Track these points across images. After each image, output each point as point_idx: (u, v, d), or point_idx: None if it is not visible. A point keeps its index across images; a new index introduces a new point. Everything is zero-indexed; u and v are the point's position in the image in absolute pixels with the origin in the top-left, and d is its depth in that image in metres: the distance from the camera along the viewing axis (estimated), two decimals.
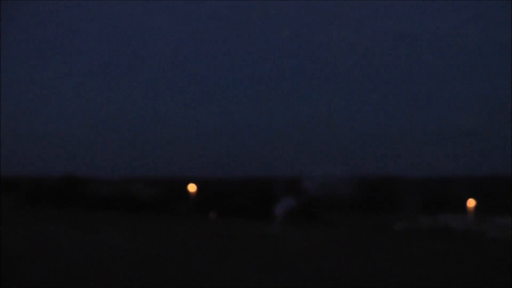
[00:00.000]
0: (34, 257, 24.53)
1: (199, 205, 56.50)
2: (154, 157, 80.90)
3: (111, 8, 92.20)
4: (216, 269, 22.69)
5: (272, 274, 21.91)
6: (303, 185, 52.34)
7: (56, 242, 29.65)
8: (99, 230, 36.22)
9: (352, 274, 22.42)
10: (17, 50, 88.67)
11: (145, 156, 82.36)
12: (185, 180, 60.33)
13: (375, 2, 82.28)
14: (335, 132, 75.49)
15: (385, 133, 73.06)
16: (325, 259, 26.55)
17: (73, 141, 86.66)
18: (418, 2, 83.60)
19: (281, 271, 22.61)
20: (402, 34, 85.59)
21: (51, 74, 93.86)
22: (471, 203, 54.98)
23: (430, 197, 56.28)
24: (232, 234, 36.60)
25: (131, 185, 59.54)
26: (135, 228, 38.47)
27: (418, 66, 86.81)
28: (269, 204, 47.96)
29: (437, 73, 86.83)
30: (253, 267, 23.45)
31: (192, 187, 58.90)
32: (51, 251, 26.51)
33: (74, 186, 57.99)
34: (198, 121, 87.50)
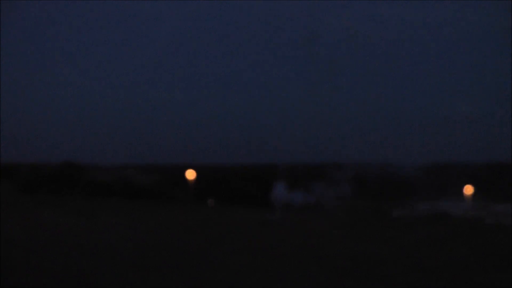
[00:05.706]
0: (32, 243, 24.60)
1: (198, 192, 56.45)
2: (153, 143, 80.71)
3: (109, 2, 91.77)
4: (214, 255, 22.77)
5: (270, 261, 21.98)
6: (299, 173, 52.46)
7: (54, 229, 29.73)
8: (97, 216, 36.32)
9: (351, 258, 22.50)
10: (14, 36, 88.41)
11: (144, 142, 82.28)
12: (184, 167, 60.15)
13: None
14: (331, 122, 75.40)
15: (382, 119, 72.97)
16: (324, 245, 26.64)
17: (72, 128, 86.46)
18: None
19: (279, 258, 22.70)
20: (399, 20, 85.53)
21: (49, 60, 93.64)
22: (468, 190, 55.06)
23: (428, 183, 56.37)
24: (230, 221, 36.69)
25: (130, 172, 59.49)
26: (133, 215, 38.56)
27: (414, 53, 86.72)
28: (269, 191, 47.98)
29: (434, 59, 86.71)
30: (251, 254, 23.52)
31: (190, 174, 58.76)
32: (49, 238, 26.57)
33: (73, 172, 57.94)
34: (198, 106, 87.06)
